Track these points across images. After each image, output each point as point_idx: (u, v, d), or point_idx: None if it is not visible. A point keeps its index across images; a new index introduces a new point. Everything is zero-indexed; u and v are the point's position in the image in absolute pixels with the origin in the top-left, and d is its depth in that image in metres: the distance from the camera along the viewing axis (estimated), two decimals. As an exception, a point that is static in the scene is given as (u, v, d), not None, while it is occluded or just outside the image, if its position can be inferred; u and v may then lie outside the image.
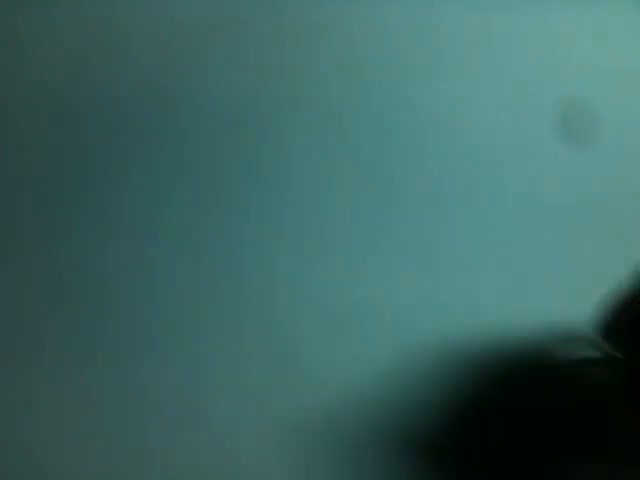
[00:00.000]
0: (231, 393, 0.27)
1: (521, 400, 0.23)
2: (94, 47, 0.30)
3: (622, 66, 0.32)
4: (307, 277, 0.29)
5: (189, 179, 0.29)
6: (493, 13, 0.32)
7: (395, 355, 0.25)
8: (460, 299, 0.27)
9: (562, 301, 0.25)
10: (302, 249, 0.29)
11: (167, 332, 0.28)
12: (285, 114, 0.30)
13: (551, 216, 0.29)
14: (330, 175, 0.30)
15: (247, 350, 0.28)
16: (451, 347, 0.25)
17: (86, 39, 0.30)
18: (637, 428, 0.22)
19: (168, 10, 0.31)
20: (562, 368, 0.24)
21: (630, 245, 0.27)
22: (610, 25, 0.32)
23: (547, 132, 0.31)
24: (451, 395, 0.24)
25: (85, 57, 0.30)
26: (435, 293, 0.27)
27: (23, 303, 0.28)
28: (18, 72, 0.30)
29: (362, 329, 0.26)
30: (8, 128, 0.28)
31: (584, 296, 0.24)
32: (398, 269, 0.28)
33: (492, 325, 0.25)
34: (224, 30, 0.31)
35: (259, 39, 0.31)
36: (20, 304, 0.28)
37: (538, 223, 0.28)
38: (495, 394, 0.23)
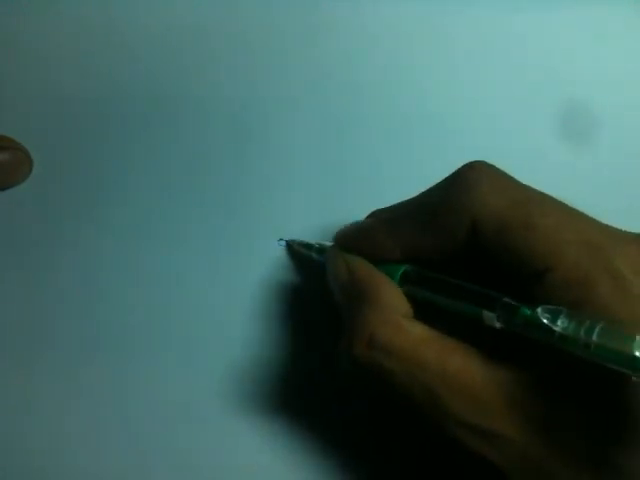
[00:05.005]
0: (230, 393, 0.27)
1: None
2: (94, 47, 0.30)
3: (622, 66, 0.32)
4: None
5: (188, 179, 0.29)
6: (493, 13, 0.32)
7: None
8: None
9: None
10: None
11: (165, 332, 0.28)
12: (285, 114, 0.30)
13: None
14: (329, 174, 0.30)
15: (245, 351, 0.28)
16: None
17: (86, 39, 0.30)
18: None
19: (168, 10, 0.31)
20: None
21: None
22: (610, 25, 0.32)
23: (547, 132, 0.31)
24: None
25: (85, 57, 0.30)
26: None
27: (23, 303, 0.28)
28: (18, 72, 0.30)
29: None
30: (8, 128, 0.28)
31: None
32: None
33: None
34: (224, 30, 0.31)
35: (259, 39, 0.31)
36: (20, 304, 0.28)
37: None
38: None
